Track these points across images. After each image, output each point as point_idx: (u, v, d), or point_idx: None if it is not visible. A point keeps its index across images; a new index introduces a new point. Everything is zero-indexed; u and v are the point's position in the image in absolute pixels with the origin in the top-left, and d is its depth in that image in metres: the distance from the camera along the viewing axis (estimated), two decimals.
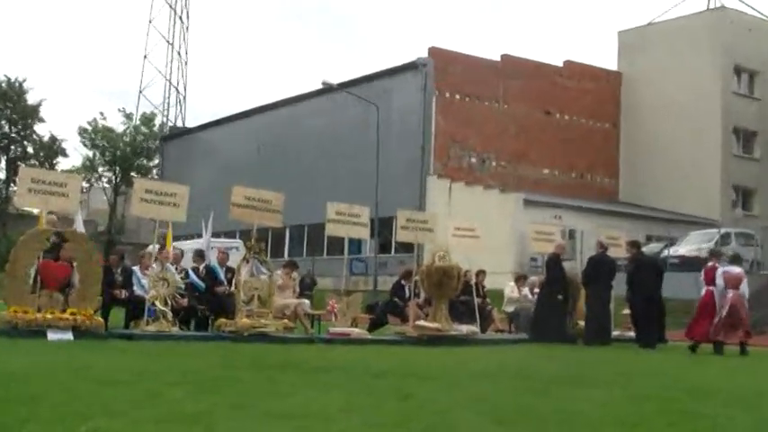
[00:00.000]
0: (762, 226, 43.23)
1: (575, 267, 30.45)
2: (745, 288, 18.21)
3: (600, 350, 18.32)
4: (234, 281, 17.75)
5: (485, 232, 22.25)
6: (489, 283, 23.50)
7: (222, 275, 19.01)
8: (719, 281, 18.11)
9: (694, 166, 50.89)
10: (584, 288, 20.62)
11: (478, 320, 20.72)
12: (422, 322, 18.61)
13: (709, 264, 19.13)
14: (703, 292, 18.73)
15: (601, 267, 20.44)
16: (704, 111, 51.29)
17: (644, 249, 24.24)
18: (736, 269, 18.51)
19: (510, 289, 23.48)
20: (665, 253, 37.65)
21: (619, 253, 22.73)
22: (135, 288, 17.25)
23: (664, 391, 10.06)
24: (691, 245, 38.50)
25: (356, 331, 18.19)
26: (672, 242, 39.63)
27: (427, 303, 19.87)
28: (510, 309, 23.05)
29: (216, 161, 61.01)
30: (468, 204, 42.19)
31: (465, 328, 19.15)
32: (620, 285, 20.77)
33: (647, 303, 19.71)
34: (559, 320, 20.32)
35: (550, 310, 20.35)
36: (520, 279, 24.10)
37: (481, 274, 22.51)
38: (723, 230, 38.66)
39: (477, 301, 21.19)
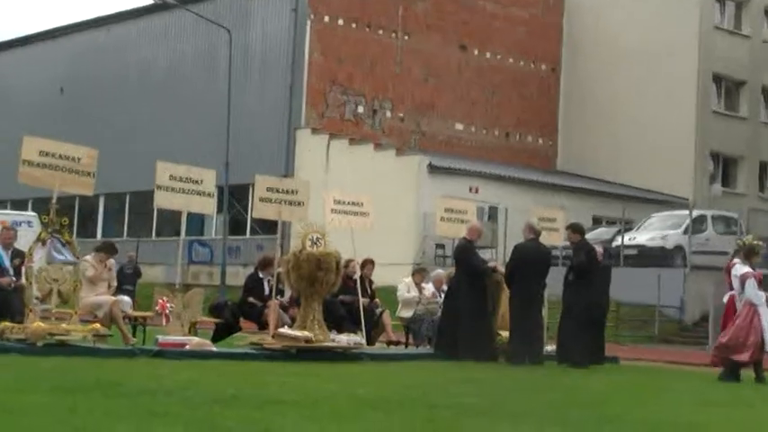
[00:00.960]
0: (748, 207, 44.04)
1: (495, 259, 30.89)
2: (749, 289, 17.99)
3: (528, 370, 18.58)
4: (24, 269, 17.49)
5: (375, 208, 22.28)
6: (380, 278, 23.59)
7: (6, 261, 18.77)
8: (735, 284, 18.27)
9: (659, 125, 51.63)
10: (508, 287, 20.72)
11: (364, 328, 20.80)
12: (286, 330, 18.61)
13: (731, 261, 19.18)
14: (725, 298, 18.98)
15: (531, 259, 20.55)
16: (674, 51, 51.93)
17: (588, 236, 24.32)
18: (744, 267, 18.40)
19: (405, 287, 23.49)
20: (618, 241, 38.28)
21: (555, 240, 22.99)
22: None
23: (610, 425, 10.21)
24: (653, 231, 39.16)
25: (196, 341, 18.11)
26: (627, 227, 40.31)
27: (294, 304, 19.88)
28: (407, 313, 23.11)
29: (1, 102, 59.98)
30: (352, 169, 42.35)
31: (345, 339, 19.19)
32: (556, 285, 20.96)
33: (592, 310, 19.93)
34: (476, 330, 20.41)
35: (463, 315, 20.42)
36: (418, 273, 24.14)
37: (368, 264, 22.54)
38: (696, 212, 39.32)
39: (363, 301, 21.28)
